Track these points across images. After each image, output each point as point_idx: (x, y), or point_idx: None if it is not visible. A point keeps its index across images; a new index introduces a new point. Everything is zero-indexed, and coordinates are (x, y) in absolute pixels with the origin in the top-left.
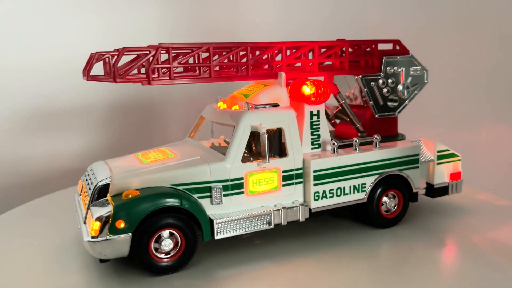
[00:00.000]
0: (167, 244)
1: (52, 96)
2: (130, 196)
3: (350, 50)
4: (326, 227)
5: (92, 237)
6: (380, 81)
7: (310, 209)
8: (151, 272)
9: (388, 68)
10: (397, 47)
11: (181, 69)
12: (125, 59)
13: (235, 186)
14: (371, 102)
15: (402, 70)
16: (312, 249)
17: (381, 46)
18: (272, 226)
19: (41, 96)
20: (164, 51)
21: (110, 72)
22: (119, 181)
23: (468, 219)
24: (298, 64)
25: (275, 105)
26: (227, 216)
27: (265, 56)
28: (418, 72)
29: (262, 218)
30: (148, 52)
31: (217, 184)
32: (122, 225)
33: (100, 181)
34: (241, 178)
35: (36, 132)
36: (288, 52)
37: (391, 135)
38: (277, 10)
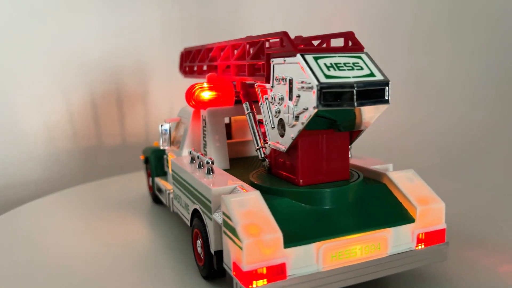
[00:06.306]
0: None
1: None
2: (153, 145)
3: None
4: None
5: None
6: (270, 95)
7: None
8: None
9: (276, 77)
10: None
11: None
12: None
13: (167, 161)
14: (264, 122)
15: (288, 81)
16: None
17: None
18: (166, 204)
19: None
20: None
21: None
22: None
23: None
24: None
25: None
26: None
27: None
28: (306, 87)
29: (165, 196)
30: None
31: (165, 156)
32: (142, 158)
33: None
34: (167, 156)
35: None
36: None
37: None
38: (280, 8)
